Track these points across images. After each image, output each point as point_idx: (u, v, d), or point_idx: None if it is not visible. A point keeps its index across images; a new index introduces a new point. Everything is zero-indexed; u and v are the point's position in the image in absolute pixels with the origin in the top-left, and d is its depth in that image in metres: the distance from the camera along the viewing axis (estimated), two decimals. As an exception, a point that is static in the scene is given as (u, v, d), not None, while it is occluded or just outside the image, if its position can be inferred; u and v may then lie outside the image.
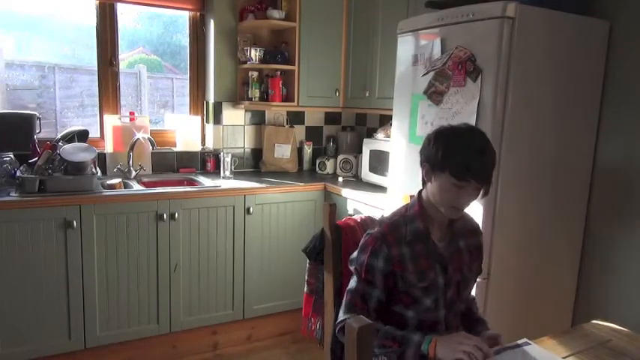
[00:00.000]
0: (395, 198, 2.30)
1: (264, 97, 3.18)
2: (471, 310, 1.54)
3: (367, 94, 2.98)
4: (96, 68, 2.96)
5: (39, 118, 2.73)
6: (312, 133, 3.57)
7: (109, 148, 2.95)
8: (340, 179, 3.15)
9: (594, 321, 1.51)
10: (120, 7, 2.97)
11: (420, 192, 1.43)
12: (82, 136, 2.74)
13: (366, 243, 1.40)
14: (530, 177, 1.96)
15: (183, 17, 3.23)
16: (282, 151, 3.35)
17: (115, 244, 2.42)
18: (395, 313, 1.41)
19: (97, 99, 3.01)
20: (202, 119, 3.31)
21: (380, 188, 2.79)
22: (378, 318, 1.37)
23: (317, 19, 3.08)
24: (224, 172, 3.04)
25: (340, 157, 3.29)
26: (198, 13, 3.20)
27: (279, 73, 3.13)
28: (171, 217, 2.53)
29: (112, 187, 2.64)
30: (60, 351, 2.37)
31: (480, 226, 1.85)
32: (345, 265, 1.65)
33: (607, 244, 2.11)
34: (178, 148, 3.20)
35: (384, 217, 1.50)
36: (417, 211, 1.39)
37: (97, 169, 2.66)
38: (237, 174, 3.13)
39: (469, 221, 1.50)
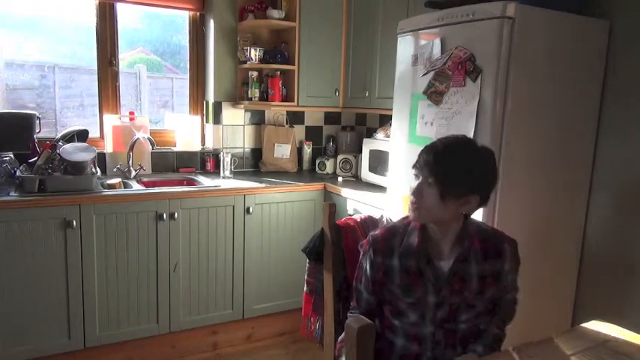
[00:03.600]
0: (394, 198, 2.30)
1: (264, 97, 3.18)
2: (487, 329, 1.45)
3: (367, 94, 2.98)
4: (96, 68, 2.96)
5: (39, 118, 2.73)
6: (312, 133, 3.57)
7: (108, 147, 2.95)
8: (340, 179, 3.15)
9: (594, 321, 1.51)
10: (120, 7, 2.97)
11: None
12: (82, 135, 2.74)
13: (363, 244, 1.44)
14: (530, 177, 1.96)
15: (183, 17, 3.23)
16: (282, 151, 3.35)
17: (114, 243, 2.42)
18: (386, 317, 1.43)
19: (97, 99, 3.00)
20: (202, 119, 3.31)
21: (380, 188, 2.79)
22: (367, 310, 1.43)
23: (317, 19, 3.08)
24: (224, 171, 3.04)
25: (340, 157, 3.29)
26: (198, 13, 3.20)
27: (278, 72, 3.13)
28: (171, 216, 2.53)
29: (111, 186, 2.64)
30: (59, 351, 2.37)
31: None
32: (345, 264, 1.65)
33: (607, 244, 2.11)
34: (178, 148, 3.20)
35: (389, 221, 1.51)
36: (418, 225, 1.36)
37: (97, 168, 2.66)
38: (236, 174, 3.13)
39: (494, 244, 1.38)
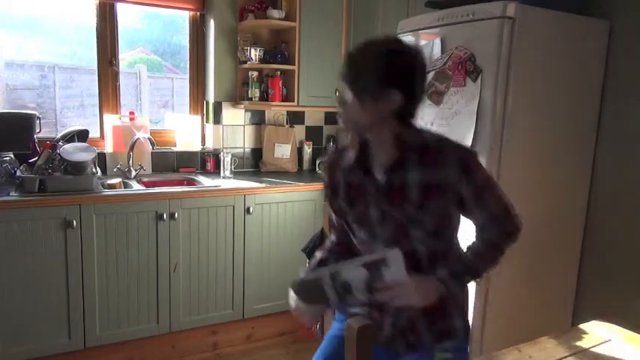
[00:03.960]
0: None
1: (264, 97, 3.18)
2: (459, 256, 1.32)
3: (367, 94, 2.98)
4: (96, 68, 2.96)
5: (39, 118, 2.73)
6: (312, 133, 3.57)
7: (108, 147, 2.95)
8: (340, 179, 3.14)
9: (594, 321, 1.51)
10: (120, 7, 2.97)
11: None
12: (82, 135, 2.74)
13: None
14: (530, 177, 1.96)
15: (183, 17, 3.23)
16: (282, 151, 3.35)
17: (114, 243, 2.42)
18: None
19: (97, 99, 3.00)
20: (202, 119, 3.31)
21: (380, 188, 2.79)
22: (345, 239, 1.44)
23: (317, 19, 3.08)
24: (224, 171, 3.03)
25: (340, 157, 3.29)
26: (198, 13, 3.20)
27: (279, 72, 3.13)
28: (171, 216, 2.53)
29: (111, 186, 2.64)
30: (60, 351, 2.37)
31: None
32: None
33: (607, 244, 2.11)
34: (178, 148, 3.20)
35: None
36: (357, 138, 1.30)
37: (97, 168, 2.66)
38: (237, 174, 3.12)
39: (436, 151, 1.24)
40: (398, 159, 1.24)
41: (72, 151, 2.44)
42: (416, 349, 1.33)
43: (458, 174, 1.21)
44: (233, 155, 3.10)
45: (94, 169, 2.54)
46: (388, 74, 1.16)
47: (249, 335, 2.91)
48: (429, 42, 2.06)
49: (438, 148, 1.24)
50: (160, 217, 2.50)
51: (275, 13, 3.01)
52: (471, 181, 1.22)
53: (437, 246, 1.29)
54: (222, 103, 3.22)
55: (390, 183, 1.26)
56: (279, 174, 3.24)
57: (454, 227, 1.33)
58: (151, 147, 2.97)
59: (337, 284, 1.21)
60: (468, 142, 1.86)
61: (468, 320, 1.38)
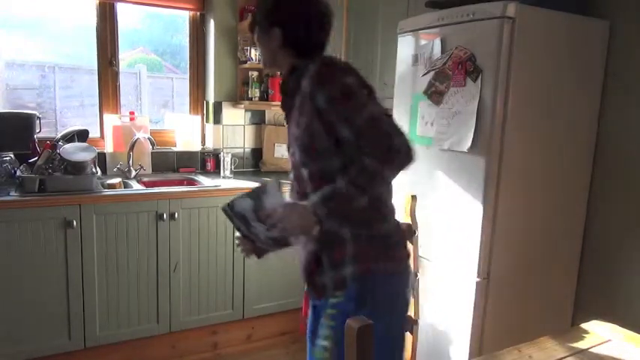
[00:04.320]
0: (395, 197, 2.30)
1: (264, 97, 3.18)
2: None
3: (367, 94, 2.98)
4: (96, 68, 2.96)
5: (39, 118, 2.73)
6: (312, 133, 3.56)
7: (108, 147, 2.95)
8: (340, 179, 3.14)
9: (594, 321, 1.51)
10: (120, 7, 2.97)
11: None
12: (82, 135, 2.74)
13: None
14: (530, 177, 1.96)
15: (183, 17, 3.23)
16: (282, 151, 3.35)
17: (114, 243, 2.42)
18: None
19: (97, 99, 3.01)
20: (202, 119, 3.32)
21: (380, 188, 2.79)
22: None
23: (317, 19, 3.08)
24: (224, 171, 3.04)
25: (340, 157, 3.29)
26: (198, 13, 3.20)
27: (279, 72, 3.13)
28: (171, 216, 2.53)
29: (111, 186, 2.64)
30: (60, 351, 2.37)
31: (480, 225, 1.86)
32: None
33: (607, 244, 2.11)
34: (178, 148, 3.20)
35: None
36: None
37: (97, 168, 2.66)
38: (237, 174, 3.13)
39: (307, 70, 1.28)
40: (283, 84, 1.38)
41: (72, 151, 2.44)
42: (319, 294, 1.38)
43: (310, 84, 1.23)
44: (233, 155, 3.10)
45: (94, 169, 2.54)
46: (268, 15, 1.36)
47: (249, 335, 2.91)
48: (429, 42, 2.06)
49: (309, 65, 1.29)
50: (160, 217, 2.50)
51: (275, 13, 3.01)
52: (324, 90, 1.21)
53: (315, 168, 1.25)
54: (222, 103, 3.22)
55: (284, 107, 1.40)
56: (279, 174, 3.23)
57: (339, 153, 1.24)
58: (150, 147, 2.97)
59: (236, 215, 1.26)
60: (467, 142, 1.86)
61: (370, 267, 1.27)
